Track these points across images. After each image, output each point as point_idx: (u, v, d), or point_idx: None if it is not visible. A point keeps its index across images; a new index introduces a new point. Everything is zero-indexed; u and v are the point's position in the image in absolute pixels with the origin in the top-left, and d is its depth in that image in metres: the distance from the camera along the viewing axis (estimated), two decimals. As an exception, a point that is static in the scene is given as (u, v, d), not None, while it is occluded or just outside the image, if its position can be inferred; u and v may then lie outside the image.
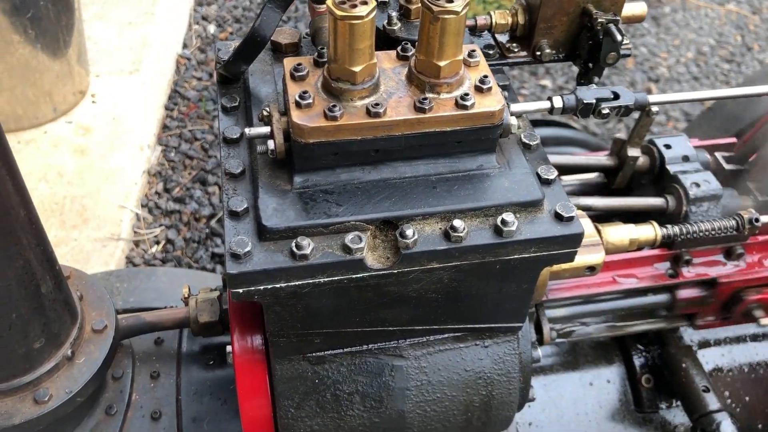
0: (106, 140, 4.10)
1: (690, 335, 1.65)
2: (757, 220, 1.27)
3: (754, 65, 5.41)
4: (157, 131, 4.28)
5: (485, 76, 1.05)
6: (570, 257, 1.07)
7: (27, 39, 3.77)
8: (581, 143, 2.48)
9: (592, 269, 1.19)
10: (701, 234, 1.28)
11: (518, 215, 1.06)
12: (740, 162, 1.53)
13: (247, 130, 1.06)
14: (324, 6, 1.23)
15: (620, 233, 1.24)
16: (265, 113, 1.08)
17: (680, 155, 1.42)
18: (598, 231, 1.23)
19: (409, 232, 1.01)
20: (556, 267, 1.16)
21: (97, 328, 1.38)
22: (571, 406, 1.57)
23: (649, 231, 1.27)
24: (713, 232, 1.28)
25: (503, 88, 1.28)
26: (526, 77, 5.02)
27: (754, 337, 1.68)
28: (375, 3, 0.95)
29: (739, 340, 1.67)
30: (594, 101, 1.14)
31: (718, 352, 1.65)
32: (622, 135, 1.44)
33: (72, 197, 3.79)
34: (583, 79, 1.33)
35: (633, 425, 1.57)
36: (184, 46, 4.89)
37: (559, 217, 1.06)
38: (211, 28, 5.13)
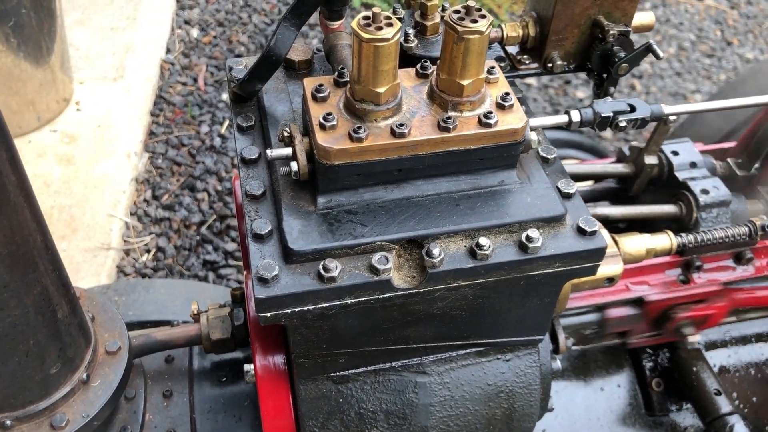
0: (92, 148, 4.05)
1: (695, 336, 1.67)
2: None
3: (734, 60, 5.47)
4: (144, 138, 4.24)
5: (507, 93, 1.05)
6: (593, 271, 1.08)
7: (9, 47, 3.72)
8: (578, 144, 2.50)
9: (611, 280, 1.20)
10: (715, 242, 1.30)
11: (542, 231, 1.06)
12: (746, 167, 1.54)
13: (268, 151, 1.05)
14: (338, 23, 1.23)
15: (637, 244, 1.25)
16: (285, 134, 1.08)
17: (688, 161, 1.43)
18: (616, 242, 1.24)
19: (435, 251, 1.01)
20: (577, 279, 1.16)
21: (110, 350, 1.37)
22: (583, 411, 1.58)
23: (665, 240, 1.28)
24: (727, 240, 1.30)
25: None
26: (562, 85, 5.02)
27: (760, 337, 1.70)
28: (399, 24, 0.95)
29: (745, 340, 1.69)
30: (611, 114, 1.15)
31: (725, 353, 1.67)
32: (637, 143, 1.45)
33: (60, 207, 3.75)
34: (599, 89, 1.34)
35: (644, 429, 1.59)
36: (168, 50, 4.85)
37: (582, 232, 1.07)
38: (194, 32, 5.09)
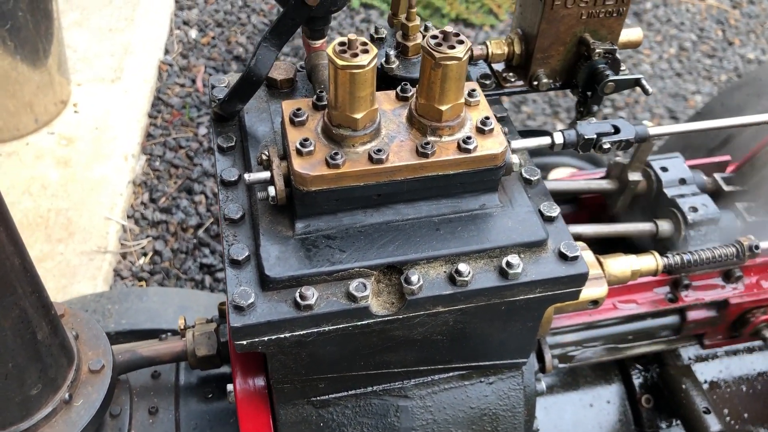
0: (89, 150, 4.05)
1: (687, 350, 1.66)
2: (757, 247, 1.28)
3: (735, 60, 5.44)
4: (141, 140, 4.23)
5: (487, 117, 1.04)
6: (575, 296, 1.07)
7: (6, 50, 3.72)
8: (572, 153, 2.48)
9: (595, 303, 1.19)
10: (702, 263, 1.28)
11: (523, 256, 1.05)
12: (739, 183, 1.53)
13: (246, 175, 1.04)
14: (319, 42, 1.22)
15: (622, 265, 1.24)
16: (264, 157, 1.06)
17: (677, 178, 1.42)
18: (600, 264, 1.23)
19: (414, 278, 1.00)
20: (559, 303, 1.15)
21: (94, 369, 1.36)
22: (572, 428, 1.57)
23: (651, 261, 1.26)
24: (713, 261, 1.29)
25: (501, 120, 1.27)
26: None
27: (749, 350, 1.69)
28: (376, 51, 0.94)
29: (735, 353, 1.68)
30: (595, 136, 1.13)
31: (716, 367, 1.66)
32: (621, 158, 1.44)
33: (57, 210, 3.75)
34: (582, 107, 1.33)
35: None
36: (166, 51, 4.84)
37: (563, 257, 1.05)
38: (193, 33, 5.08)
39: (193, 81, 4.69)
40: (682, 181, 1.41)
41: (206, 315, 2.24)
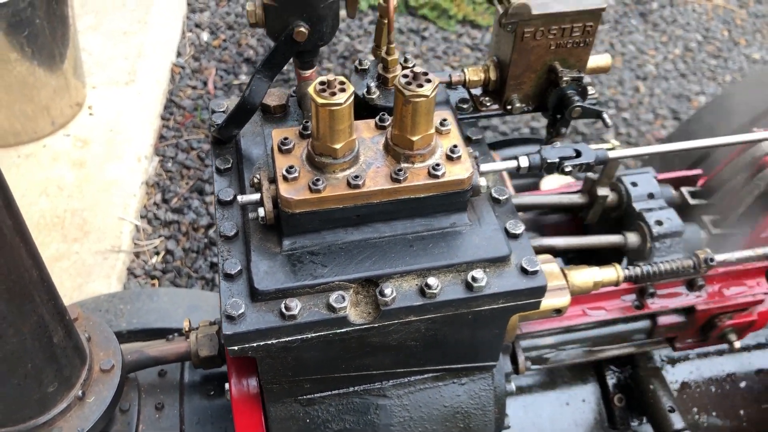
0: (103, 152, 4.18)
1: (660, 352, 1.76)
2: (712, 259, 1.38)
3: (741, 60, 5.49)
4: (154, 141, 4.36)
5: (455, 146, 1.15)
6: (535, 306, 1.18)
7: (24, 56, 3.85)
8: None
9: (558, 311, 1.30)
10: (661, 274, 1.39)
11: (487, 270, 1.16)
12: (706, 196, 1.63)
13: (239, 197, 1.16)
14: (309, 72, 1.33)
15: (585, 276, 1.35)
16: (255, 180, 1.18)
17: (646, 193, 1.52)
18: (564, 275, 1.33)
19: (387, 291, 1.11)
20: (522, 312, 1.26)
21: (105, 368, 1.49)
22: (549, 424, 1.68)
23: (612, 273, 1.37)
24: (672, 272, 1.39)
25: (476, 142, 1.38)
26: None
27: (720, 352, 1.79)
28: (352, 89, 1.05)
29: (706, 355, 1.78)
30: (557, 159, 1.24)
31: (687, 369, 1.76)
32: (592, 174, 1.54)
33: (72, 210, 3.88)
34: (552, 128, 1.43)
35: None
36: (178, 54, 4.96)
37: (524, 271, 1.16)
38: (205, 36, 5.20)
39: (205, 83, 4.81)
40: (651, 196, 1.52)
41: (214, 314, 2.37)
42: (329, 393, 1.28)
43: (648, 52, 5.47)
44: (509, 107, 1.41)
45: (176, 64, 4.86)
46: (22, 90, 3.94)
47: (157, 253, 3.87)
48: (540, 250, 1.45)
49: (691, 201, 1.58)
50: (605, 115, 1.32)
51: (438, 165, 1.13)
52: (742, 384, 1.77)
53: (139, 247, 3.84)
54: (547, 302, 1.28)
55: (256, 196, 1.15)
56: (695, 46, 5.57)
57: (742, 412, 1.75)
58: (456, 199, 1.16)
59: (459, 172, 1.14)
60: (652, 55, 5.44)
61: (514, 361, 1.49)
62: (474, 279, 1.14)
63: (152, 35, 4.92)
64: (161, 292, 2.60)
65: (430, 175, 1.13)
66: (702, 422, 1.73)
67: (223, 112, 1.38)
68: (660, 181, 1.61)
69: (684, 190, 1.61)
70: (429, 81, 1.07)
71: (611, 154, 1.27)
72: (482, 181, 1.20)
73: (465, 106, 1.44)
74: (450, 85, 1.43)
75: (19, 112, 4.01)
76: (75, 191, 3.98)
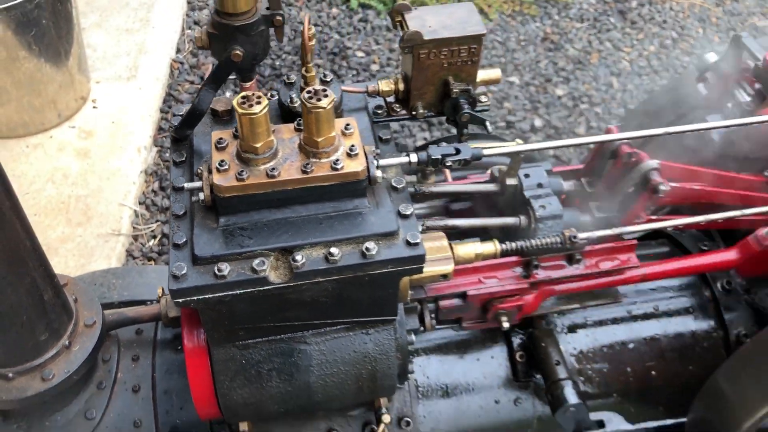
0: (106, 143, 4.50)
1: (562, 320, 2.09)
2: (575, 237, 1.68)
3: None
4: (153, 133, 4.68)
5: (353, 145, 1.47)
6: (419, 271, 1.50)
7: (32, 54, 4.17)
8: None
9: (445, 276, 1.61)
10: (533, 248, 1.70)
11: (379, 242, 1.48)
12: (591, 186, 1.94)
13: (186, 184, 1.49)
14: (248, 84, 1.66)
15: (467, 249, 1.66)
16: (199, 171, 1.51)
17: (536, 183, 1.83)
18: (451, 248, 1.65)
19: (298, 257, 1.44)
20: (416, 276, 1.58)
21: (88, 324, 1.83)
22: (461, 376, 2.00)
23: (491, 247, 1.68)
24: (543, 246, 1.70)
25: (386, 141, 1.71)
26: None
27: (615, 321, 2.11)
28: (267, 102, 1.38)
29: (602, 323, 2.10)
30: (440, 156, 1.56)
31: (584, 335, 2.08)
32: (504, 166, 1.84)
33: (77, 197, 4.21)
34: (459, 131, 1.75)
35: (509, 389, 2.01)
36: (177, 50, 5.28)
37: (408, 244, 1.49)
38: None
39: (202, 78, 5.13)
40: (539, 185, 1.82)
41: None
42: (261, 339, 1.61)
43: (624, 49, 5.72)
44: (414, 113, 1.74)
45: (175, 60, 5.18)
46: (30, 85, 4.26)
47: (154, 237, 4.20)
48: (445, 229, 1.77)
49: (588, 189, 1.89)
50: (487, 124, 1.63)
51: (338, 161, 1.45)
52: (631, 346, 2.09)
53: (137, 230, 4.17)
54: (435, 268, 1.59)
55: (198, 184, 1.48)
56: (670, 43, 5.81)
57: (628, 369, 2.07)
58: (355, 187, 1.48)
59: (355, 166, 1.46)
60: (627, 51, 5.69)
61: (422, 319, 1.82)
62: (367, 249, 1.46)
63: (153, 33, 5.23)
64: (149, 269, 2.94)
65: (332, 169, 1.45)
66: (593, 375, 2.05)
67: (181, 115, 1.71)
68: (559, 173, 1.93)
69: (583, 179, 1.92)
70: (326, 96, 1.39)
71: (485, 152, 1.59)
72: (378, 173, 1.51)
73: (380, 112, 1.77)
74: (368, 94, 1.75)
75: (28, 105, 4.33)
76: (79, 179, 4.30)
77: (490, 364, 2.02)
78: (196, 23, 5.56)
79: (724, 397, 1.77)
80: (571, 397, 1.83)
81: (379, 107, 1.77)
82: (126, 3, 5.48)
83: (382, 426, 1.81)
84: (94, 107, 4.74)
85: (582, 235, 1.67)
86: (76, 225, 4.11)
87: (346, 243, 1.48)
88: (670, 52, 5.76)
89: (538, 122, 5.06)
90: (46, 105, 4.43)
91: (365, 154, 1.49)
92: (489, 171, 1.95)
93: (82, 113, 4.67)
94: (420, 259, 1.48)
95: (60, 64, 4.37)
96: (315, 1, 5.84)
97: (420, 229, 1.52)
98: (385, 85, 1.73)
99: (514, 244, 1.68)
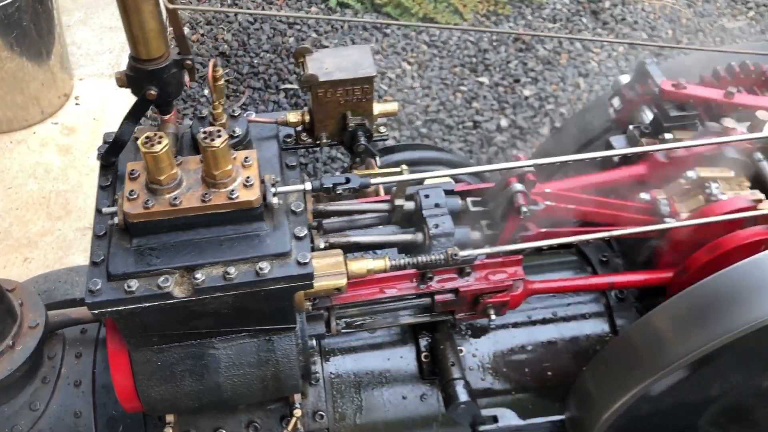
0: (88, 139, 4.68)
1: (466, 324, 2.30)
2: (456, 254, 1.88)
3: (680, 59, 5.89)
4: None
5: (249, 177, 1.68)
6: (309, 286, 1.72)
7: (13, 54, 4.36)
8: (446, 162, 3.08)
9: (338, 290, 1.82)
10: (421, 264, 1.90)
11: (273, 262, 1.69)
12: (484, 204, 2.14)
13: (104, 209, 1.71)
14: (167, 116, 1.87)
15: (360, 265, 1.85)
16: (116, 198, 1.72)
17: (434, 203, 2.03)
18: (346, 264, 1.85)
19: (198, 275, 1.65)
20: (310, 290, 1.79)
21: (31, 326, 2.05)
22: (373, 374, 2.23)
23: (381, 263, 1.88)
24: (430, 263, 1.90)
25: (292, 167, 1.91)
26: (467, 74, 5.59)
27: (516, 325, 2.33)
28: (167, 141, 1.58)
29: (504, 327, 2.32)
30: (332, 185, 1.77)
31: (486, 339, 2.30)
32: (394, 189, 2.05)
33: (57, 192, 4.40)
34: (358, 158, 1.96)
35: (417, 387, 2.24)
36: (159, 48, 5.45)
37: (299, 263, 1.70)
38: (185, 31, 5.67)
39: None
40: (437, 205, 2.02)
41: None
42: (174, 344, 1.82)
43: (593, 49, 5.86)
44: (319, 142, 1.94)
45: (157, 58, 5.35)
46: (12, 83, 4.45)
47: (129, 230, 4.41)
48: (347, 245, 1.98)
49: (472, 208, 2.09)
50: (377, 158, 1.84)
51: (233, 191, 1.66)
52: (529, 348, 2.30)
53: (113, 224, 4.37)
54: (329, 282, 1.81)
55: (114, 209, 1.70)
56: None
57: (527, 369, 2.29)
58: (251, 214, 1.69)
59: (250, 196, 1.67)
60: (597, 52, 5.84)
61: (328, 325, 2.03)
62: (261, 268, 1.67)
63: (136, 31, 5.39)
64: (111, 267, 3.15)
65: (228, 198, 1.66)
66: (494, 375, 2.27)
67: (108, 143, 1.92)
68: (458, 193, 2.13)
69: (469, 200, 2.12)
70: (220, 136, 1.60)
71: (372, 181, 1.79)
72: (275, 200, 1.72)
73: (289, 140, 1.98)
74: (278, 124, 1.96)
75: (11, 102, 4.52)
76: (60, 174, 4.49)
77: (399, 363, 2.24)
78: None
79: (588, 393, 2.00)
80: (462, 395, 2.05)
81: (288, 136, 1.98)
82: (111, 0, 5.65)
83: (294, 419, 2.04)
84: (76, 104, 4.92)
85: (463, 253, 1.87)
86: (56, 219, 4.30)
87: (242, 262, 1.69)
88: (639, 53, 5.91)
89: (504, 122, 5.23)
90: (29, 102, 4.62)
91: (262, 183, 1.69)
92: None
93: (65, 110, 4.85)
94: (309, 276, 1.69)
95: (42, 62, 4.56)
96: (294, 0, 6.02)
97: (322, 247, 1.73)
98: (293, 117, 1.94)
99: (403, 260, 1.89)
